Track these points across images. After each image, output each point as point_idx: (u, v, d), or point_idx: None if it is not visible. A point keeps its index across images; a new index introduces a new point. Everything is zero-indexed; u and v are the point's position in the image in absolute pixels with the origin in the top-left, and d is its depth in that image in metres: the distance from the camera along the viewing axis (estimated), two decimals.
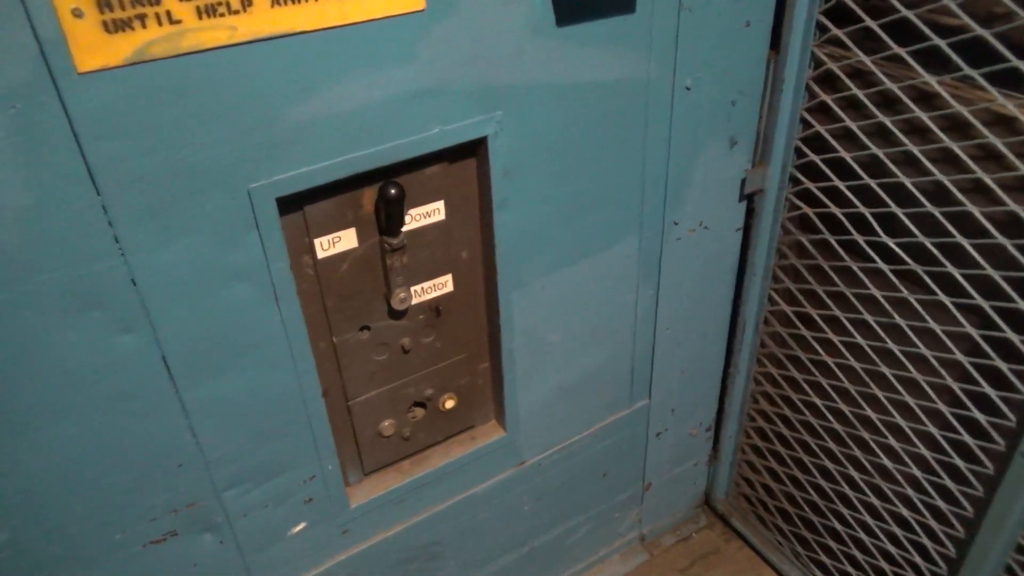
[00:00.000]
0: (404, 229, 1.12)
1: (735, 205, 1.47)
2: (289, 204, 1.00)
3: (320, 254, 1.08)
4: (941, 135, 1.16)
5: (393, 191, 1.04)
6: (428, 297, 1.22)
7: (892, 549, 1.56)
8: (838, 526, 1.69)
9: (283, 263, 1.02)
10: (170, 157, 0.88)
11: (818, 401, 1.60)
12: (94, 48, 0.78)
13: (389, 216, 1.08)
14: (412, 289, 1.19)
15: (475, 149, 1.12)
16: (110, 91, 0.81)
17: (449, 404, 1.34)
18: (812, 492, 1.74)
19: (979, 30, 1.05)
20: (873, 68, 1.21)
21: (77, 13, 0.75)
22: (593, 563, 1.81)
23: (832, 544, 1.72)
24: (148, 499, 1.08)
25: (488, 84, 1.05)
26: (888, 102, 1.23)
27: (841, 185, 1.34)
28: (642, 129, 1.25)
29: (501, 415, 1.42)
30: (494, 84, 1.06)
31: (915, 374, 1.35)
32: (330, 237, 1.08)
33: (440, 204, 1.15)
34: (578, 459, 1.59)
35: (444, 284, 1.22)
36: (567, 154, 1.19)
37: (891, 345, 1.38)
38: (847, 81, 1.27)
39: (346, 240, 1.09)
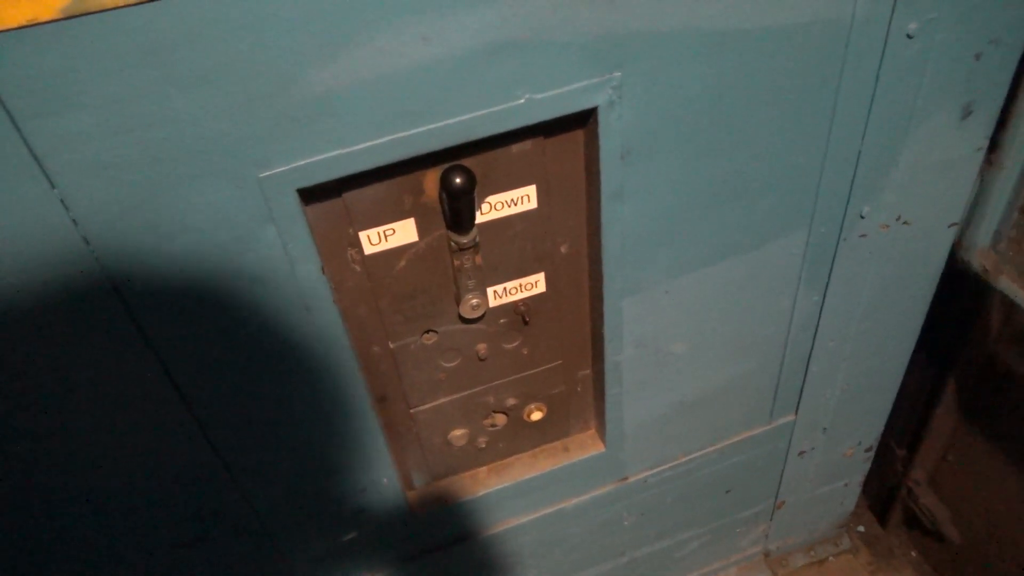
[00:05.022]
0: (480, 220, 0.86)
1: (954, 194, 1.06)
2: (321, 190, 0.76)
3: (368, 249, 0.84)
4: None
5: (458, 181, 0.77)
6: (512, 299, 0.96)
7: None
8: None
9: (312, 264, 0.79)
10: (148, 137, 0.65)
11: None
12: None
13: (455, 210, 0.81)
14: (491, 290, 0.93)
15: (582, 120, 0.81)
16: (48, 53, 0.58)
17: (536, 416, 1.10)
18: None
19: None
20: None
21: None
22: (705, 575, 1.57)
23: None
24: (169, 509, 0.94)
25: (603, 33, 0.73)
26: None
27: None
28: (831, 93, 0.87)
29: (601, 429, 1.16)
30: (611, 33, 0.73)
31: None
32: (380, 229, 0.83)
33: (531, 190, 0.86)
34: (696, 476, 1.32)
35: (534, 284, 0.95)
36: (714, 128, 0.85)
37: None
38: None
39: (402, 233, 0.84)
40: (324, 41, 0.65)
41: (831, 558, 1.61)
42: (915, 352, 1.30)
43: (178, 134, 0.66)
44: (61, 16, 0.57)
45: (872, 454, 1.48)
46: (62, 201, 0.66)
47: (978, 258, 1.18)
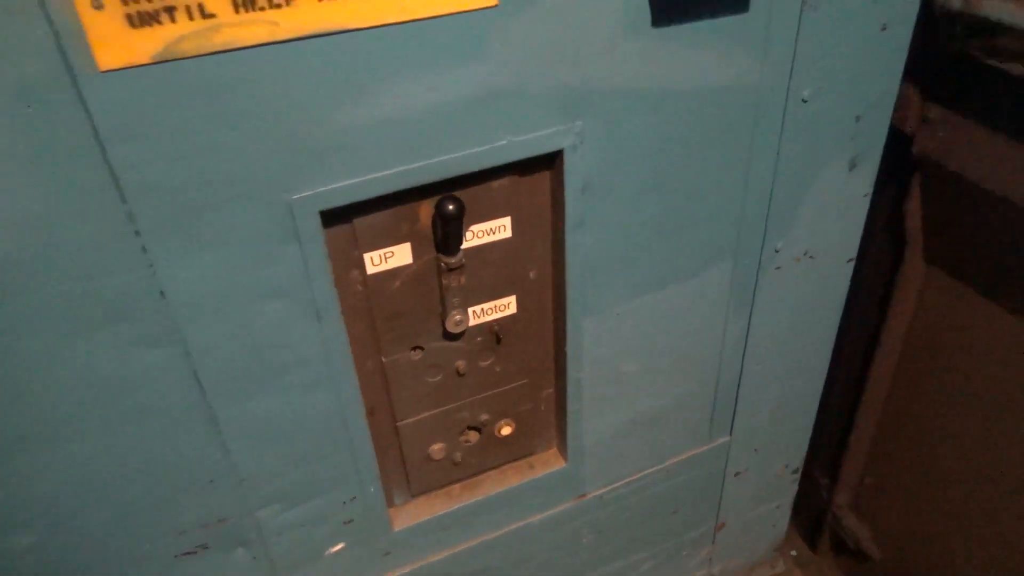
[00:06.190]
0: (464, 246, 1.01)
1: (849, 234, 1.28)
2: (336, 215, 0.91)
3: (370, 269, 0.98)
4: None
5: (451, 207, 0.93)
6: (488, 319, 1.11)
7: None
8: None
9: (326, 280, 0.92)
10: (204, 163, 0.79)
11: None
12: (117, 44, 0.70)
13: (446, 234, 0.97)
14: (470, 310, 1.08)
15: (550, 162, 0.99)
16: (137, 91, 0.73)
17: (506, 431, 1.23)
18: None
19: None
20: None
21: (96, 4, 0.67)
22: None
23: None
24: (177, 513, 1.03)
25: (568, 90, 0.92)
26: None
27: None
28: (746, 144, 1.08)
29: (563, 445, 1.30)
30: (575, 90, 0.92)
31: None
32: (382, 252, 0.98)
33: (506, 221, 1.03)
34: (647, 494, 1.45)
35: (507, 306, 1.11)
36: (656, 170, 1.04)
37: None
38: None
39: (399, 256, 0.99)
40: (348, 88, 0.81)
41: None
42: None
43: (225, 161, 0.80)
44: (150, 62, 0.72)
45: (798, 476, 1.65)
46: (129, 214, 0.78)
47: None
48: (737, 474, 1.54)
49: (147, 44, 0.71)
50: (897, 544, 1.72)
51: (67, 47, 0.68)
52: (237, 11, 0.72)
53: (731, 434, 1.46)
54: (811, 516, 1.86)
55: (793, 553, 1.81)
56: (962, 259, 1.39)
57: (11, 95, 0.68)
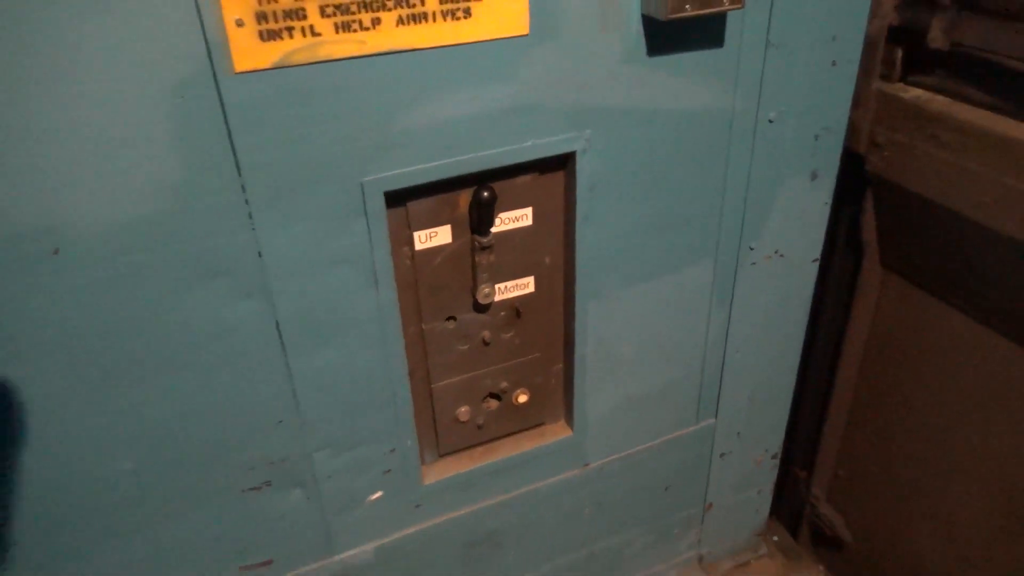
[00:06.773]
0: (493, 230, 1.24)
1: (813, 236, 1.51)
2: (394, 199, 1.13)
3: (418, 246, 1.21)
4: None
5: (486, 194, 1.16)
6: (510, 296, 1.33)
7: None
8: None
9: (385, 251, 1.15)
10: (300, 149, 1.02)
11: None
12: (249, 52, 0.94)
13: (481, 217, 1.20)
14: (496, 286, 1.30)
15: (564, 163, 1.23)
16: (258, 89, 0.96)
17: (522, 398, 1.44)
18: None
19: None
20: None
21: (239, 22, 0.91)
22: None
23: None
24: (249, 449, 1.23)
25: (580, 104, 1.16)
26: None
27: None
28: (723, 156, 1.32)
29: (570, 416, 1.50)
30: (586, 105, 1.17)
31: None
32: (428, 231, 1.20)
33: (528, 211, 1.26)
34: (641, 469, 1.65)
35: (526, 285, 1.33)
36: (650, 175, 1.28)
37: None
38: None
39: (442, 236, 1.22)
40: (412, 93, 1.05)
41: (752, 561, 1.92)
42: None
43: (317, 148, 1.03)
44: (271, 67, 0.96)
45: (777, 462, 1.84)
46: (243, 187, 1.01)
47: None
48: (722, 455, 1.74)
49: (270, 53, 0.95)
50: (868, 529, 1.91)
51: (214, 54, 0.92)
52: (336, 32, 0.97)
53: (716, 417, 1.67)
54: (791, 507, 2.05)
55: (775, 539, 1.99)
56: (914, 264, 1.62)
57: (171, 89, 0.92)
